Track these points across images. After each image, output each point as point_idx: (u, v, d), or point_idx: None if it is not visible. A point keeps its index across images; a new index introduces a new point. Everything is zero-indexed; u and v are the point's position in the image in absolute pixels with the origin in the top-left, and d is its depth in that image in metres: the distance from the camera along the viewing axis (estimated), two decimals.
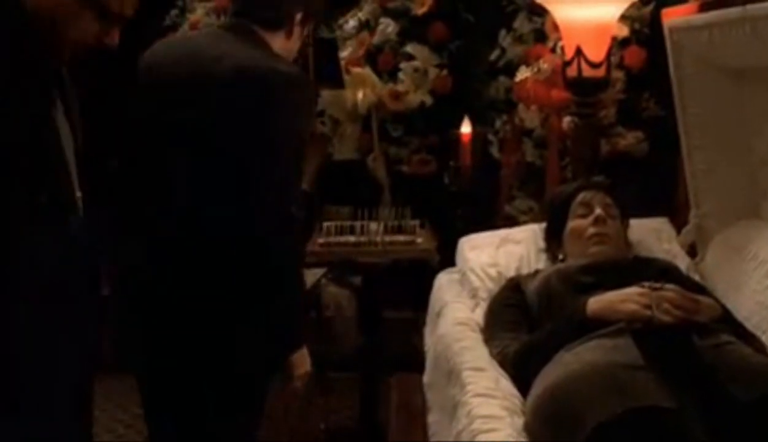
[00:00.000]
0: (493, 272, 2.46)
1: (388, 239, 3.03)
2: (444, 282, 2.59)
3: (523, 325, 2.12)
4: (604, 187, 2.41)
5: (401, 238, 3.03)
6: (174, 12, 4.13)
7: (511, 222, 3.15)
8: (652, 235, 2.56)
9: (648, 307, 1.84)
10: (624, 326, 1.83)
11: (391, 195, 3.46)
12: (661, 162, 2.98)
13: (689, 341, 1.77)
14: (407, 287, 3.06)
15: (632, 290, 1.90)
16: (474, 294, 2.42)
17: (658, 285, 1.88)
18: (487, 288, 2.41)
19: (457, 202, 3.29)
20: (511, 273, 2.42)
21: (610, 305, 1.89)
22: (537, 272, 2.32)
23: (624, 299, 1.88)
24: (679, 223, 2.72)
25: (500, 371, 1.96)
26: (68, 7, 1.48)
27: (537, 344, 1.96)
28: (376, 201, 3.42)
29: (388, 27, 3.63)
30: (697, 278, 2.44)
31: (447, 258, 2.77)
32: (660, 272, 2.11)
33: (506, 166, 3.30)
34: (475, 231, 2.77)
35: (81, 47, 1.53)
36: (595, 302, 1.93)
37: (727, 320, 1.96)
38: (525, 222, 3.10)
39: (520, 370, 1.93)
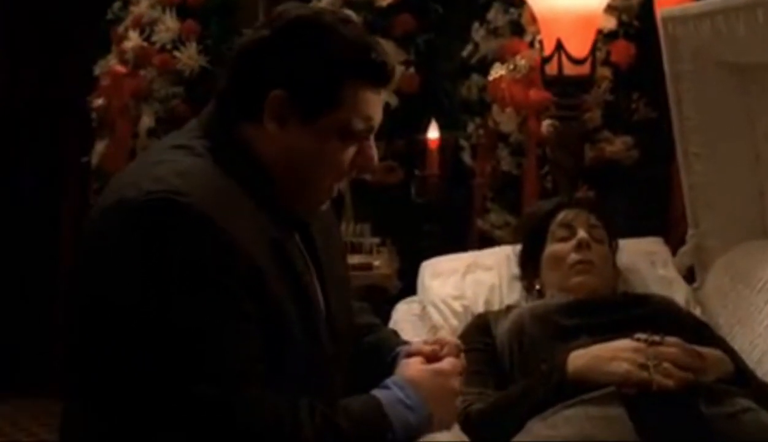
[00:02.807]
0: (457, 305, 2.19)
1: None
2: (401, 315, 2.30)
3: (490, 376, 1.85)
4: (589, 205, 2.16)
5: (356, 259, 2.77)
6: (117, 5, 3.91)
7: (485, 238, 2.99)
8: (644, 258, 2.32)
9: (644, 367, 1.56)
10: (614, 391, 1.56)
11: (353, 208, 3.21)
12: (653, 171, 2.83)
13: (696, 409, 1.51)
14: None
15: (624, 344, 1.61)
16: (434, 333, 2.13)
17: (656, 338, 1.58)
18: (451, 326, 2.15)
19: (424, 216, 3.11)
20: (479, 308, 2.16)
21: (596, 363, 1.61)
22: (509, 308, 2.05)
23: (614, 355, 1.60)
24: (673, 242, 2.54)
25: (460, 435, 1.63)
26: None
27: (506, 406, 1.69)
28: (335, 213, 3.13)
29: None
30: (698, 311, 2.18)
31: (411, 281, 2.52)
32: (656, 312, 1.85)
33: (479, 175, 3.12)
34: (444, 248, 2.61)
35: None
36: (579, 358, 1.64)
37: (741, 378, 1.65)
38: (500, 238, 2.95)
39: (484, 434, 1.66)
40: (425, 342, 1.56)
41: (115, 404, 1.31)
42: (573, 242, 2.04)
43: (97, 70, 3.83)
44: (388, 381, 1.44)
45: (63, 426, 1.41)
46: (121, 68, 3.71)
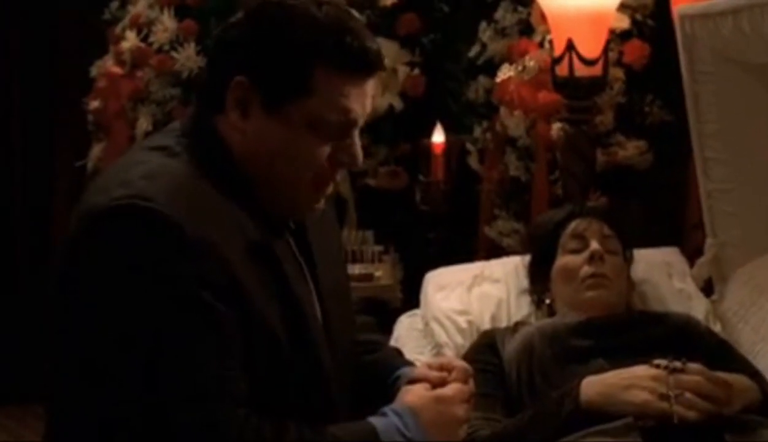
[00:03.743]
0: (462, 321, 2.08)
1: None
2: (404, 331, 2.19)
3: (497, 399, 1.74)
4: (602, 214, 2.05)
5: (357, 269, 2.67)
6: (114, 5, 3.83)
7: (492, 246, 2.92)
8: (660, 270, 2.21)
9: (664, 397, 1.46)
10: (631, 423, 1.46)
11: (356, 214, 3.19)
12: (668, 177, 2.79)
13: None
14: None
15: (642, 371, 1.51)
16: (438, 351, 2.04)
17: (677, 365, 1.47)
18: (455, 343, 2.04)
19: (429, 223, 3.03)
20: (485, 324, 2.05)
21: (612, 392, 1.51)
22: (517, 325, 1.94)
23: (631, 383, 1.50)
24: (689, 251, 2.46)
25: None
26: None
27: (514, 435, 1.58)
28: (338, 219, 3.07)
29: None
30: (717, 327, 2.08)
31: (415, 291, 2.42)
32: (675, 332, 1.75)
33: (486, 181, 3.04)
34: (450, 257, 2.54)
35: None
36: (592, 386, 1.54)
37: None
38: (508, 246, 2.88)
39: None
40: (431, 366, 1.46)
41: (83, 413, 1.22)
42: (585, 254, 1.94)
43: (94, 72, 3.76)
44: (387, 408, 1.35)
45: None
46: (117, 69, 3.64)
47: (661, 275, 2.20)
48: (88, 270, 1.21)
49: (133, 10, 3.68)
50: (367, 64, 1.29)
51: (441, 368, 1.44)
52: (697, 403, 1.46)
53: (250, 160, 1.30)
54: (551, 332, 1.78)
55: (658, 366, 1.51)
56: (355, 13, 3.33)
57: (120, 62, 3.63)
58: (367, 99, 1.31)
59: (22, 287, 4.04)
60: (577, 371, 1.61)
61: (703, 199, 2.32)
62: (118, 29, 3.70)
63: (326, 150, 1.30)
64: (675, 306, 2.07)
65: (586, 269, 1.92)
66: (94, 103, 3.70)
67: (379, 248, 2.87)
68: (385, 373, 1.49)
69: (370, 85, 1.31)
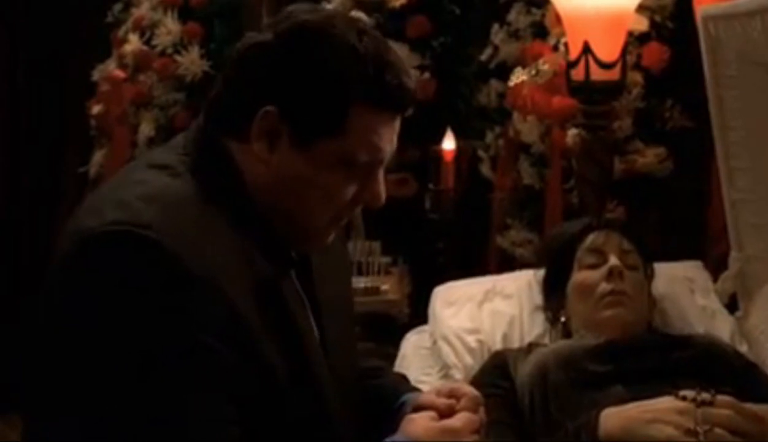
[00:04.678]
0: (472, 341, 1.98)
1: None
2: (410, 349, 2.10)
3: (509, 427, 1.64)
4: (621, 227, 1.97)
5: (363, 282, 2.57)
6: (117, 7, 3.83)
7: (504, 257, 2.87)
8: (682, 286, 2.12)
9: (692, 433, 1.36)
10: None
11: (364, 222, 3.06)
12: (689, 185, 2.71)
13: None
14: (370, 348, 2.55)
15: (667, 404, 1.41)
16: (446, 373, 1.95)
17: (706, 397, 1.36)
18: (464, 364, 1.95)
19: (438, 233, 2.98)
20: (497, 344, 1.95)
21: (634, 426, 1.41)
22: (531, 346, 1.84)
23: (655, 417, 1.40)
24: (712, 264, 2.37)
25: None
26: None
27: None
28: (344, 230, 3.02)
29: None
30: (744, 347, 1.98)
31: (424, 304, 2.34)
32: (700, 356, 1.65)
33: (499, 189, 2.99)
34: (460, 268, 2.57)
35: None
36: (612, 418, 1.45)
37: None
38: (521, 256, 2.82)
39: None
40: (438, 392, 1.36)
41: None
42: (603, 270, 1.85)
43: (96, 76, 3.74)
44: (389, 440, 1.26)
45: None
46: (120, 73, 3.61)
47: (683, 290, 2.11)
48: (75, 298, 1.10)
49: (136, 12, 3.65)
50: (403, 103, 1.21)
51: (449, 394, 1.35)
52: (728, 439, 1.36)
53: (266, 192, 1.21)
54: (567, 355, 1.68)
55: (684, 398, 1.41)
56: (364, 16, 3.37)
57: (122, 66, 3.62)
58: (395, 136, 1.23)
59: (26, 293, 4.00)
60: (595, 399, 1.51)
61: (728, 210, 2.22)
62: (121, 32, 3.70)
63: (352, 189, 1.22)
64: (698, 324, 1.99)
65: (605, 286, 1.83)
66: (96, 108, 3.67)
67: (386, 260, 2.79)
68: (389, 398, 1.41)
69: (398, 122, 1.23)
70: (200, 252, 1.11)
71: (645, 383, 1.52)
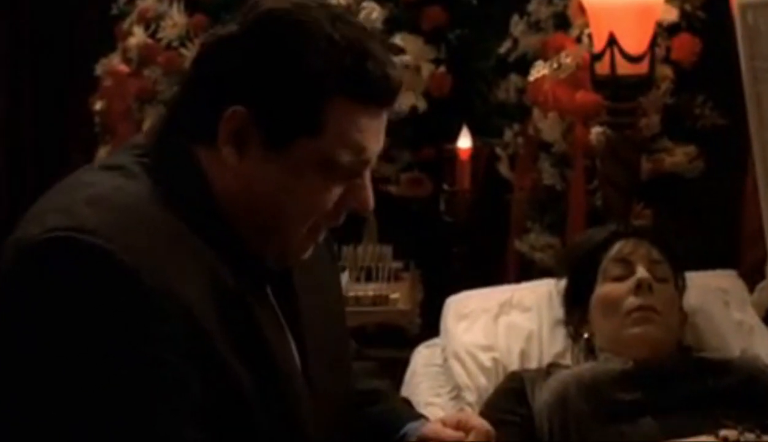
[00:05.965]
0: (486, 359, 1.87)
1: (353, 292, 2.46)
2: (420, 365, 1.98)
3: None
4: (650, 235, 1.86)
5: (371, 290, 2.48)
6: (122, 0, 3.72)
7: (524, 261, 2.82)
8: (716, 298, 2.00)
9: None
10: None
11: (377, 224, 3.03)
12: (721, 186, 2.68)
13: None
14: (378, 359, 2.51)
15: None
16: (457, 394, 1.84)
17: (750, 437, 1.25)
18: (477, 385, 1.84)
19: (453, 236, 2.88)
20: (513, 363, 1.85)
21: None
22: (551, 368, 1.74)
23: None
24: (745, 271, 2.31)
25: None
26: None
27: None
28: (356, 232, 2.97)
29: (372, 13, 3.25)
30: None
31: (436, 314, 2.24)
32: (739, 384, 1.54)
33: (518, 190, 2.96)
34: (476, 274, 2.53)
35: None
36: None
37: None
38: (541, 261, 2.77)
39: None
40: (445, 422, 1.27)
41: None
42: (630, 283, 1.75)
43: (99, 70, 3.67)
44: None
45: None
46: (123, 67, 3.53)
47: (717, 303, 1.99)
48: (14, 313, 1.00)
49: (141, 4, 3.56)
50: (389, 95, 1.10)
51: (457, 426, 1.26)
52: None
53: (236, 200, 1.10)
54: (590, 382, 1.57)
55: (725, 439, 1.28)
56: (377, 6, 3.26)
57: (126, 60, 3.54)
58: (382, 133, 1.13)
59: None
60: (622, 432, 1.43)
61: (765, 215, 2.08)
62: (125, 25, 3.63)
63: (335, 194, 1.11)
64: (734, 341, 1.87)
65: (632, 301, 1.73)
66: (100, 104, 3.60)
67: (397, 265, 2.71)
68: (390, 427, 1.31)
69: (385, 118, 1.13)
70: (154, 259, 1.01)
71: (678, 415, 1.42)
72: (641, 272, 1.75)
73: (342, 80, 1.06)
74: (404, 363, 2.05)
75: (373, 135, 1.10)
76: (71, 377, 0.98)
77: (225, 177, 1.08)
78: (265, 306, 1.13)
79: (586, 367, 1.67)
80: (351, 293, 2.44)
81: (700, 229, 2.61)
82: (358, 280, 2.54)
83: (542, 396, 1.61)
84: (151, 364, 0.99)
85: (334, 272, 1.35)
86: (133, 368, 0.98)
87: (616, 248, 1.81)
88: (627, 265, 1.78)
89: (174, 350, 0.99)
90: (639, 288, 1.73)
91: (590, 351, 1.77)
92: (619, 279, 1.77)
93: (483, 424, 1.26)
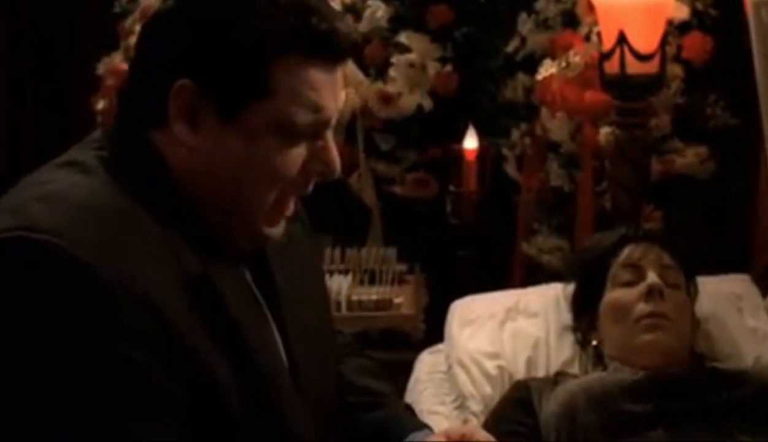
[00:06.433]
0: (491, 367, 1.83)
1: (356, 296, 2.41)
2: (424, 372, 1.94)
3: None
4: (661, 239, 1.82)
5: (374, 294, 2.42)
6: None
7: (531, 264, 2.80)
8: (728, 304, 1.96)
9: None
10: None
11: (381, 226, 3.02)
12: (733, 188, 2.65)
13: None
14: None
15: None
16: (461, 403, 1.80)
17: None
18: (482, 394, 1.80)
19: (459, 239, 2.87)
20: (519, 371, 1.81)
21: None
22: (558, 377, 1.70)
23: None
24: (758, 275, 2.28)
25: None
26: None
27: None
28: (360, 234, 2.97)
29: (377, 11, 3.23)
30: None
31: (441, 318, 2.21)
32: (754, 396, 1.49)
33: (525, 191, 2.93)
34: (482, 277, 2.51)
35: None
36: None
37: None
38: (548, 263, 2.75)
39: None
40: (449, 435, 1.23)
41: None
42: (641, 288, 1.71)
43: (101, 69, 3.65)
44: None
45: None
46: (125, 66, 3.48)
47: (730, 309, 1.94)
48: None
49: (143, 2, 3.57)
50: (338, 49, 1.08)
51: (462, 439, 1.22)
52: None
53: (197, 180, 1.07)
54: (599, 392, 1.53)
55: None
56: (382, 4, 3.25)
57: (129, 58, 3.49)
58: (339, 91, 1.11)
59: None
60: None
61: None
62: (127, 23, 3.61)
63: (298, 157, 1.09)
64: (748, 349, 1.83)
65: (642, 307, 1.69)
66: (102, 103, 3.57)
67: (402, 267, 2.67)
68: (391, 435, 1.27)
69: (341, 75, 1.11)
70: (111, 252, 0.97)
71: (690, 428, 1.38)
72: (652, 277, 1.71)
73: (287, 39, 1.04)
74: (408, 365, 2.02)
75: (329, 92, 1.08)
76: (32, 382, 0.94)
77: (182, 157, 1.06)
78: (240, 290, 1.10)
79: (595, 377, 1.62)
80: (354, 297, 2.40)
81: (712, 232, 2.58)
82: (361, 283, 2.50)
83: (549, 406, 1.56)
84: (116, 362, 0.95)
85: (312, 247, 1.32)
86: (97, 368, 0.95)
87: (626, 252, 1.77)
88: (637, 270, 1.74)
89: (139, 346, 0.96)
90: (650, 294, 1.69)
91: (599, 359, 1.74)
92: (628, 285, 1.73)
93: (488, 438, 1.22)
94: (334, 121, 1.10)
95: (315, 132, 1.08)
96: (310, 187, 1.13)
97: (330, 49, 1.06)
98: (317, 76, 1.06)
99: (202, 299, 1.03)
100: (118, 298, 0.95)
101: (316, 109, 1.06)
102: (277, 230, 1.12)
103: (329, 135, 1.10)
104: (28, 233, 0.95)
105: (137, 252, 0.99)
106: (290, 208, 1.13)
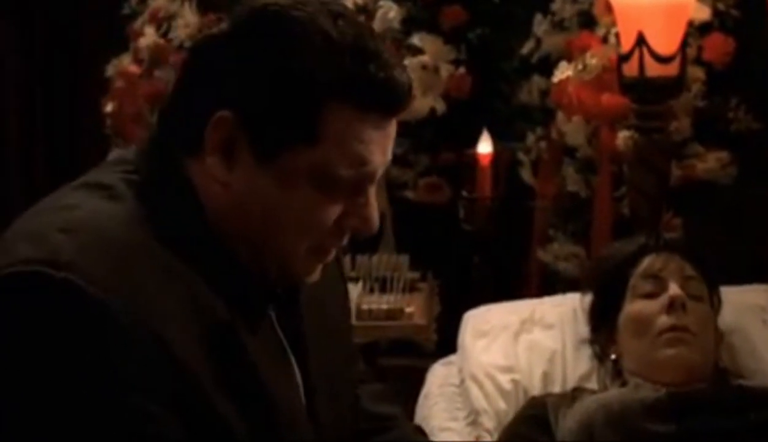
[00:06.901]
0: (505, 381, 1.77)
1: (366, 305, 2.35)
2: (436, 386, 1.89)
3: None
4: (683, 249, 1.76)
5: (384, 303, 2.36)
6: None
7: (546, 272, 2.78)
8: (752, 315, 1.89)
9: None
10: None
11: (394, 232, 2.99)
12: (755, 193, 2.63)
13: None
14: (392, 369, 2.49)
15: None
16: (474, 419, 1.74)
17: None
18: (496, 410, 1.74)
19: (473, 245, 2.84)
20: (535, 386, 1.76)
21: None
22: (576, 393, 1.65)
23: None
24: None
25: None
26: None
27: None
28: (371, 240, 2.89)
29: (389, 12, 3.25)
30: None
31: (454, 328, 2.16)
32: None
33: (541, 196, 2.92)
34: (497, 285, 2.55)
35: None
36: None
37: None
38: (564, 270, 2.73)
39: None
40: None
41: None
42: (662, 301, 1.65)
43: (110, 71, 3.67)
44: None
45: None
46: (134, 69, 3.50)
47: (754, 321, 1.88)
48: None
49: (152, 3, 3.55)
50: (394, 102, 1.00)
51: None
52: None
53: (229, 215, 1.01)
54: (619, 411, 1.47)
55: None
56: (394, 6, 3.23)
57: (138, 60, 3.51)
58: (389, 145, 1.02)
59: None
60: None
61: None
62: (137, 25, 3.62)
63: (334, 212, 1.01)
64: None
65: (664, 320, 1.62)
66: (110, 106, 3.56)
67: (413, 275, 2.63)
68: None
69: (393, 128, 1.02)
70: (131, 293, 0.92)
71: None
72: (674, 289, 1.64)
73: (340, 83, 0.97)
74: (420, 372, 1.98)
75: (378, 147, 1.00)
76: (35, 427, 0.89)
77: (215, 190, 0.99)
78: (265, 336, 1.04)
79: (614, 393, 1.57)
80: (364, 306, 2.35)
81: (734, 239, 2.54)
82: (371, 291, 2.45)
83: (566, 424, 1.51)
84: (128, 414, 0.90)
85: (340, 288, 1.26)
86: (108, 420, 0.89)
87: (646, 262, 1.71)
88: (658, 281, 1.68)
89: (153, 398, 0.91)
90: (671, 307, 1.63)
91: (618, 373, 1.68)
92: (649, 296, 1.67)
93: None
94: (380, 175, 1.02)
95: (357, 187, 1.01)
96: (345, 240, 1.06)
97: (385, 101, 0.99)
98: (368, 128, 0.98)
99: (223, 348, 0.97)
100: (132, 341, 0.90)
101: (362, 163, 0.99)
102: (312, 276, 1.06)
103: (372, 191, 1.03)
104: (46, 269, 0.90)
105: (158, 295, 0.94)
106: (330, 256, 1.06)
